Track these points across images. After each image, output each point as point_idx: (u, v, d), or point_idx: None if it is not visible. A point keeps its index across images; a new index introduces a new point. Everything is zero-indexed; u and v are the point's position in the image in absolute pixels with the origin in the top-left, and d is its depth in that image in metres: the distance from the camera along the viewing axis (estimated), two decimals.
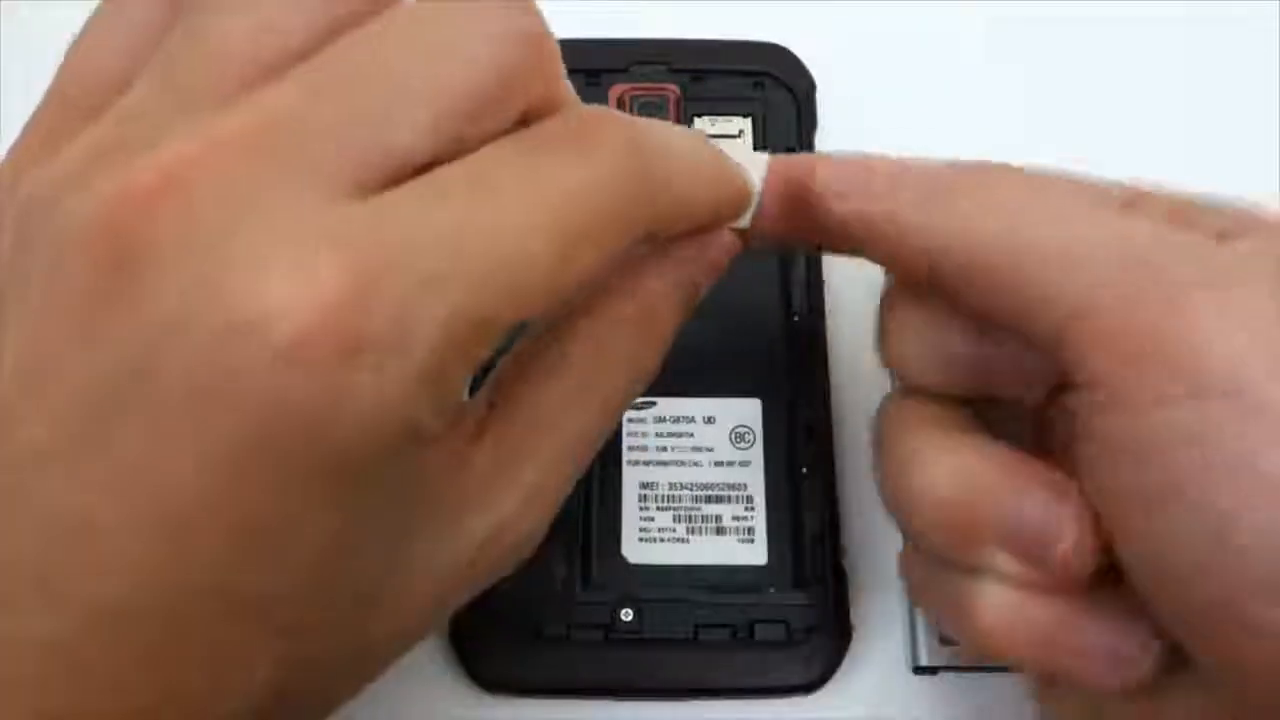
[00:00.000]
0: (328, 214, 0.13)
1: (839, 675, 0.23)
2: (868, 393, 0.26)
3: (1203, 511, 0.14)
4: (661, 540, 0.24)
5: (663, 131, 0.17)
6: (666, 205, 0.17)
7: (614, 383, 0.18)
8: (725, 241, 0.19)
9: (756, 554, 0.24)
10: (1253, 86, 0.30)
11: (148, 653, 0.14)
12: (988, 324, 0.18)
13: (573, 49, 0.17)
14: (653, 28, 0.29)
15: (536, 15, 0.15)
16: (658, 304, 0.18)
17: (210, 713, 0.14)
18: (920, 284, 0.18)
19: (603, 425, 0.18)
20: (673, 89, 0.28)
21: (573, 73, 0.16)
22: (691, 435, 0.25)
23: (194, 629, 0.14)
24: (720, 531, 0.24)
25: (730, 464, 0.24)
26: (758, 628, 0.23)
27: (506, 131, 0.15)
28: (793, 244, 0.21)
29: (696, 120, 0.28)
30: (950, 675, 0.23)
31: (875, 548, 0.24)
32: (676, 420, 0.25)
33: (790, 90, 0.28)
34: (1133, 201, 0.17)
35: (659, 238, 0.18)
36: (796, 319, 0.26)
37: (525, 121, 0.15)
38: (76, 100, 0.16)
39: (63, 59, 0.16)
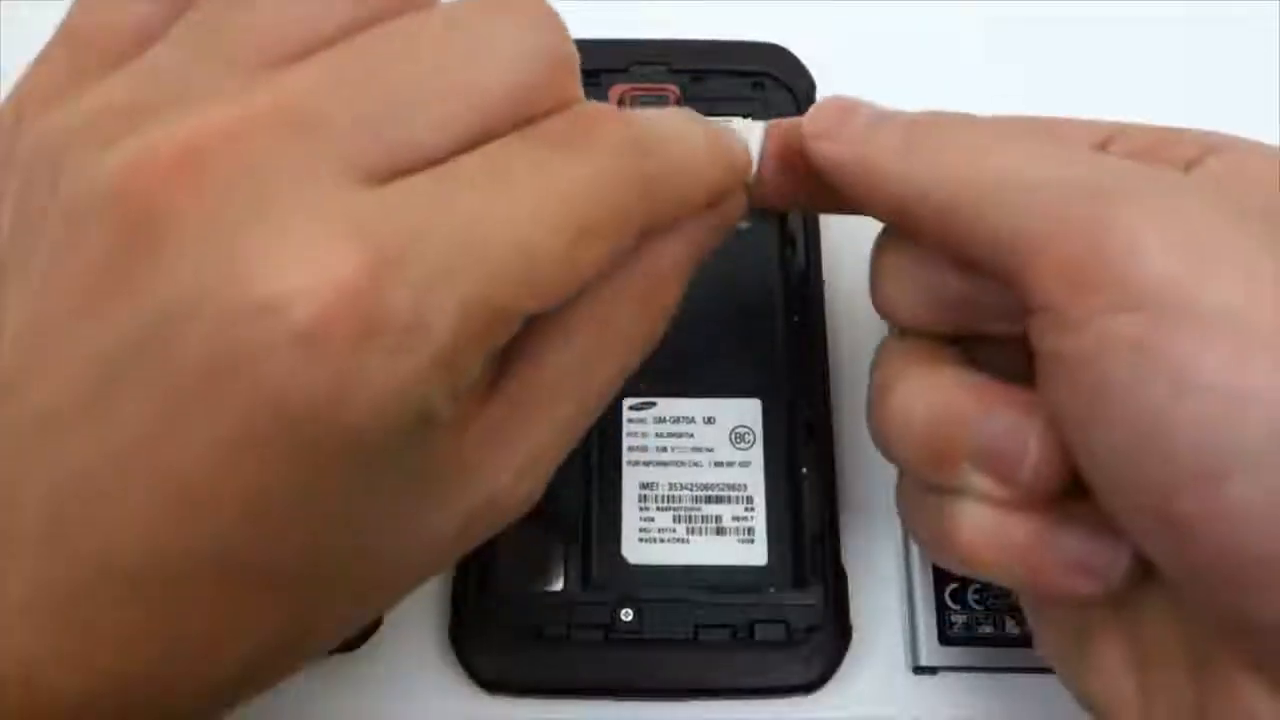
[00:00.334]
0: (347, 199, 0.13)
1: (839, 675, 0.23)
2: (867, 393, 0.26)
3: (1135, 417, 0.15)
4: (661, 540, 0.24)
5: (657, 120, 0.17)
6: (667, 193, 0.17)
7: (616, 358, 0.18)
8: (727, 208, 0.19)
9: (756, 554, 0.24)
10: (1253, 86, 0.30)
11: (150, 611, 0.14)
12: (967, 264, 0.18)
13: None
14: (653, 28, 0.29)
15: (564, 32, 0.16)
16: (660, 278, 0.18)
17: (210, 667, 0.15)
18: (901, 227, 0.19)
19: (601, 399, 0.18)
20: (673, 89, 0.28)
21: None
22: (691, 435, 0.25)
23: (198, 592, 0.14)
24: (720, 532, 0.24)
25: (730, 464, 0.24)
26: (758, 628, 0.23)
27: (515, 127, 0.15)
28: (791, 203, 0.22)
29: None
30: (950, 675, 0.23)
31: (875, 548, 0.24)
32: (676, 420, 0.25)
33: (790, 90, 0.28)
34: (1110, 138, 0.18)
35: (667, 222, 0.18)
36: (796, 319, 0.26)
37: (532, 118, 0.15)
38: (90, 42, 0.15)
39: None
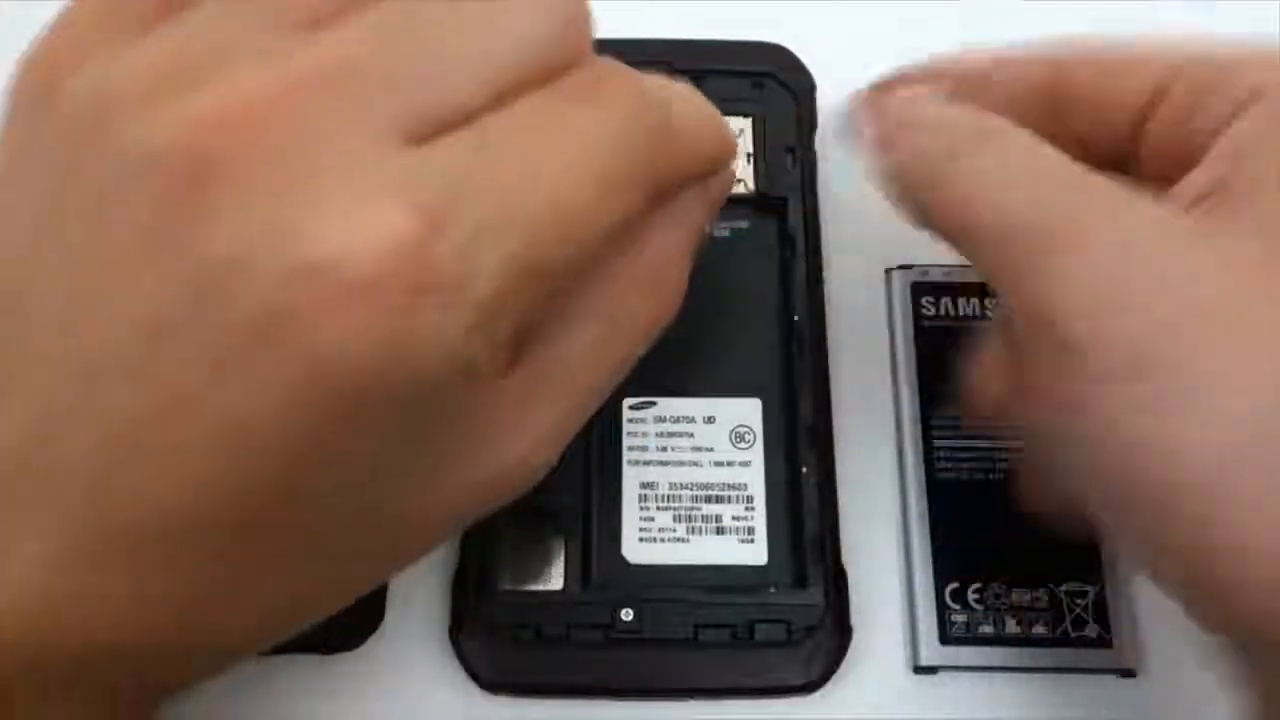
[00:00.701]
0: (393, 158, 0.14)
1: (839, 675, 0.23)
2: (867, 393, 0.26)
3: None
4: (661, 540, 0.24)
5: (663, 81, 0.18)
6: (676, 149, 0.18)
7: (632, 337, 0.18)
8: (724, 179, 0.20)
9: (756, 554, 0.24)
10: None
11: (182, 562, 0.14)
12: None
13: None
14: (653, 28, 0.29)
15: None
16: (666, 260, 0.19)
17: (228, 618, 0.16)
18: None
19: (618, 374, 0.19)
20: None
21: None
22: (691, 435, 0.25)
23: (228, 544, 0.15)
24: (720, 531, 0.24)
25: (730, 464, 0.24)
26: (758, 628, 0.23)
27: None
28: None
29: None
30: (950, 675, 0.23)
31: (875, 548, 0.24)
32: (676, 420, 0.25)
33: (790, 90, 0.28)
34: (1164, 87, 0.21)
35: (673, 185, 0.18)
36: (796, 319, 0.26)
37: (552, 73, 0.16)
38: None
39: None
